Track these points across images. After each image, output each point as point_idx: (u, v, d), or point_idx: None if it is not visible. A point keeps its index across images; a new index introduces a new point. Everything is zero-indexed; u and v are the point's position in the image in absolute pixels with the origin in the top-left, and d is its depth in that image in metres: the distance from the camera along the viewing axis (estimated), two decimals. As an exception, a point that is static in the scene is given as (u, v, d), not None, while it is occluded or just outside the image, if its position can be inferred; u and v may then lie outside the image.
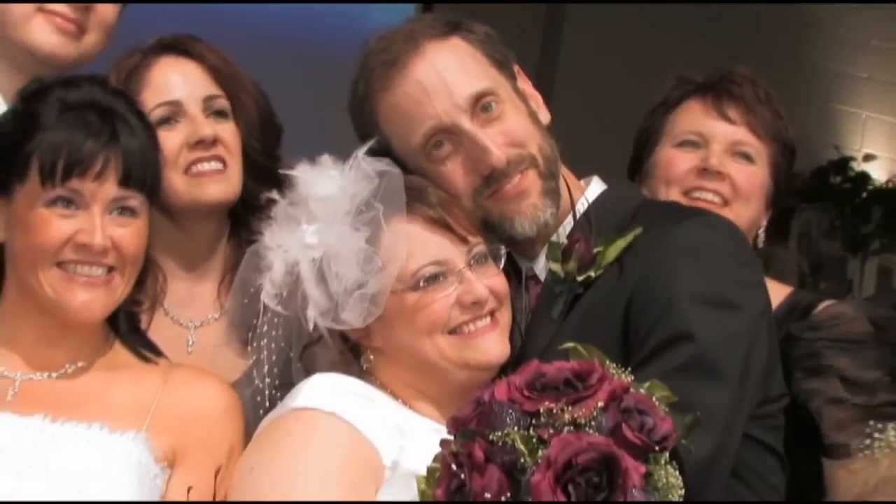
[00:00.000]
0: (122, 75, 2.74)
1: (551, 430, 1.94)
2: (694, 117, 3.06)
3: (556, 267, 2.51)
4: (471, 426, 2.02)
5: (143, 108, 2.63)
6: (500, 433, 1.96)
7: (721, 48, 6.62)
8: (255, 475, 2.24)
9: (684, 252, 2.40)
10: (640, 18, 7.21)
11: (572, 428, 1.94)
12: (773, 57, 7.15)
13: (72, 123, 2.36)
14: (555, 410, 1.96)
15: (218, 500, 2.36)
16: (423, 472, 2.10)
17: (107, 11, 2.80)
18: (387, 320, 2.39)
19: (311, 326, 2.38)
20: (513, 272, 2.63)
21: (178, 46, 2.81)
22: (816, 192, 6.92)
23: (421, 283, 2.36)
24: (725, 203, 3.00)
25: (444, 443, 2.06)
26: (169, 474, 2.38)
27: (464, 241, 2.41)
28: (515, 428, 1.96)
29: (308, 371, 2.46)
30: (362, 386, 2.36)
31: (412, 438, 2.26)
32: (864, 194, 6.85)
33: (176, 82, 2.77)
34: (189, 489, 2.32)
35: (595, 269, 2.47)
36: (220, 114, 2.79)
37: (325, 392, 2.30)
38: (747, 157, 3.02)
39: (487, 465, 1.94)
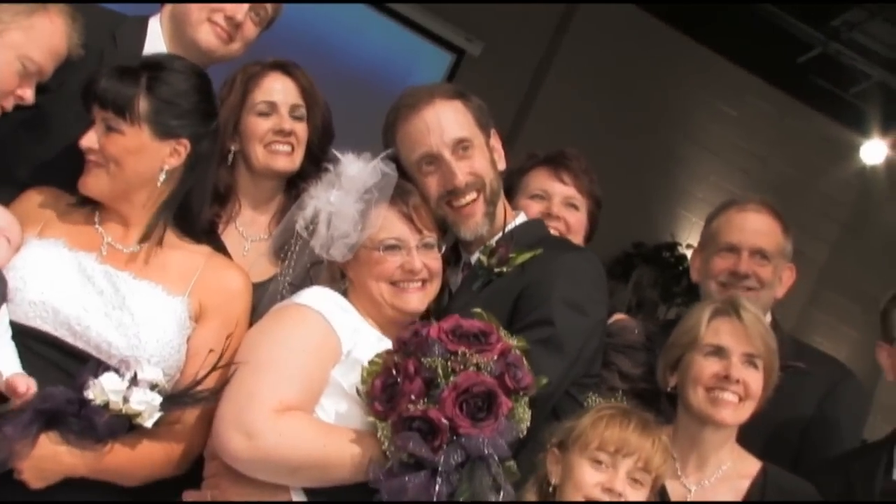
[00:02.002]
0: (245, 75, 2.76)
1: (462, 367, 2.01)
2: (540, 180, 3.00)
3: (483, 259, 2.53)
4: (410, 348, 2.06)
5: (252, 101, 2.70)
6: (429, 359, 2.02)
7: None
8: (259, 337, 2.22)
9: (564, 271, 2.44)
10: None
11: (475, 368, 2.01)
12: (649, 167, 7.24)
13: None
14: (467, 354, 2.03)
15: (227, 353, 2.22)
16: (366, 363, 2.14)
17: (251, 31, 2.76)
18: (358, 262, 2.37)
19: (316, 251, 2.37)
20: (455, 259, 2.64)
21: (285, 67, 2.80)
22: (652, 258, 7.00)
23: (382, 248, 2.36)
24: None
25: (388, 353, 2.09)
26: (194, 327, 2.29)
27: (419, 231, 2.40)
28: (439, 359, 2.02)
29: (313, 280, 2.45)
30: (341, 299, 2.33)
31: (362, 339, 2.24)
32: (681, 268, 6.90)
33: (278, 90, 2.77)
34: (210, 351, 2.20)
35: (507, 267, 2.49)
36: (299, 117, 2.78)
37: (317, 297, 2.28)
38: (575, 207, 2.98)
39: (415, 377, 2.02)
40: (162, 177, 2.29)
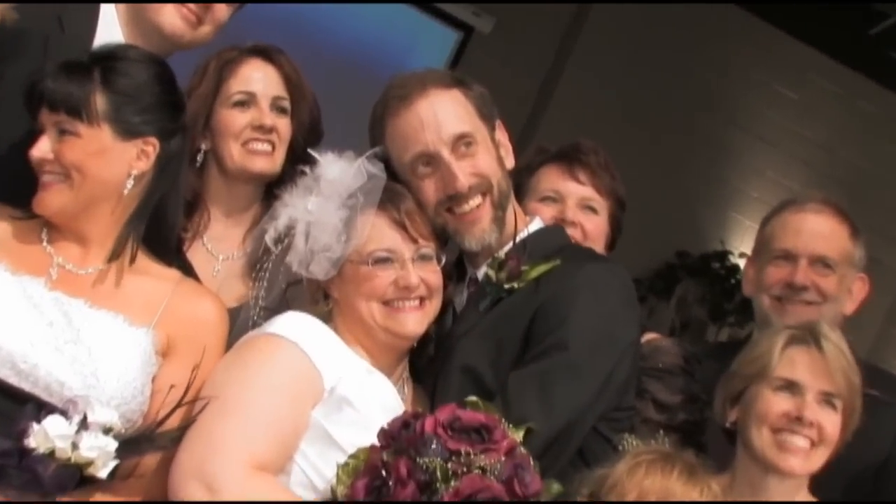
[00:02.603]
0: (220, 62, 2.75)
1: (464, 469, 1.98)
2: (552, 179, 2.98)
3: (490, 273, 2.51)
4: (401, 444, 2.04)
5: (227, 91, 2.70)
6: (425, 460, 1.99)
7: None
8: (227, 374, 2.22)
9: (586, 285, 2.41)
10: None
11: (479, 471, 1.99)
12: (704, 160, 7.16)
13: None
14: (471, 455, 2.00)
15: (193, 389, 2.23)
16: (353, 398, 2.15)
17: (222, 11, 2.75)
18: (344, 280, 2.36)
19: (293, 268, 2.36)
20: (459, 274, 2.62)
21: (266, 53, 2.80)
22: (699, 271, 6.98)
23: (371, 261, 2.34)
24: None
25: (372, 448, 2.08)
26: (160, 364, 2.27)
27: (414, 241, 2.39)
28: (438, 459, 1.99)
29: (290, 304, 2.43)
30: (321, 326, 2.33)
31: (349, 373, 2.24)
32: (733, 281, 6.88)
33: (257, 79, 2.77)
34: (171, 387, 2.19)
35: (518, 282, 2.47)
36: (281, 110, 2.78)
37: (293, 325, 2.27)
38: (594, 210, 2.97)
39: (408, 480, 1.97)
40: (129, 183, 2.29)
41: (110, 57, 2.30)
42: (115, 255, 2.29)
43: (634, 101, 6.75)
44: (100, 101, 2.25)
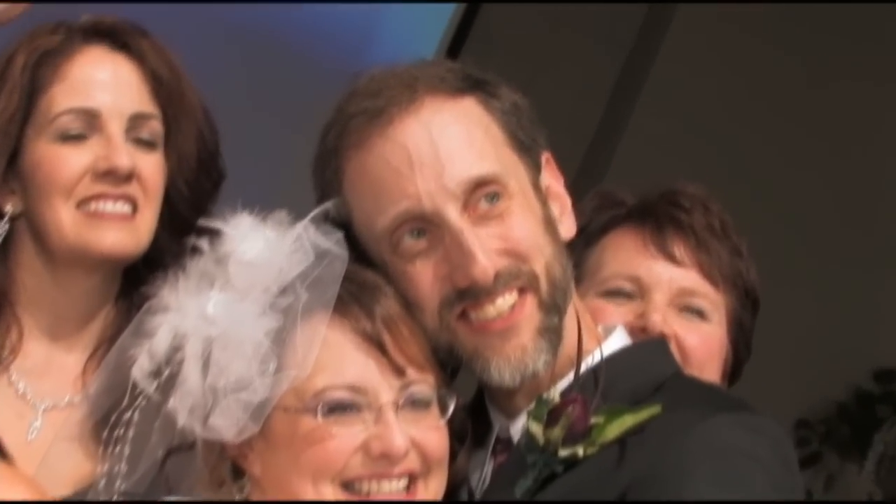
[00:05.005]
0: (33, 55, 2.07)
1: None
2: (627, 256, 2.22)
3: (535, 429, 1.83)
4: None
5: (48, 111, 2.05)
6: None
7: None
8: None
9: (710, 455, 1.75)
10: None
11: None
12: None
13: None
14: None
15: None
16: None
17: None
18: (271, 444, 1.80)
19: (181, 421, 1.76)
20: (480, 429, 1.97)
21: (118, 36, 2.10)
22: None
23: (322, 410, 1.77)
24: None
25: None
26: None
27: (400, 372, 1.79)
28: None
29: (172, 485, 1.83)
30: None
31: None
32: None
33: (101, 84, 2.07)
34: None
35: (586, 446, 1.81)
36: (146, 141, 2.09)
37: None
38: (700, 313, 2.20)
39: None
40: None
41: None
42: None
43: (766, 108, 4.83)
44: None
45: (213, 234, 1.80)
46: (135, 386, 1.77)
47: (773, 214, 4.81)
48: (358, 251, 1.84)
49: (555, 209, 1.91)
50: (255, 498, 1.84)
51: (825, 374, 4.80)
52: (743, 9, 5.24)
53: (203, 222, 1.82)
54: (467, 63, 1.95)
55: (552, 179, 1.93)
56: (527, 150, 1.89)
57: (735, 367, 2.30)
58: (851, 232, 5.12)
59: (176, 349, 1.77)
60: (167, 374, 1.75)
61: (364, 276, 1.84)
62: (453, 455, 1.85)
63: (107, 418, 1.86)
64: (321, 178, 1.91)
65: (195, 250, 1.80)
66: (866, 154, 5.34)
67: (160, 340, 1.77)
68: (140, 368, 1.77)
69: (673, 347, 2.13)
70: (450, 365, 1.88)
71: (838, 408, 4.98)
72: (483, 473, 1.94)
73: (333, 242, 1.80)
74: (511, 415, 1.89)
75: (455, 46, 4.77)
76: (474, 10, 4.77)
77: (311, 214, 1.82)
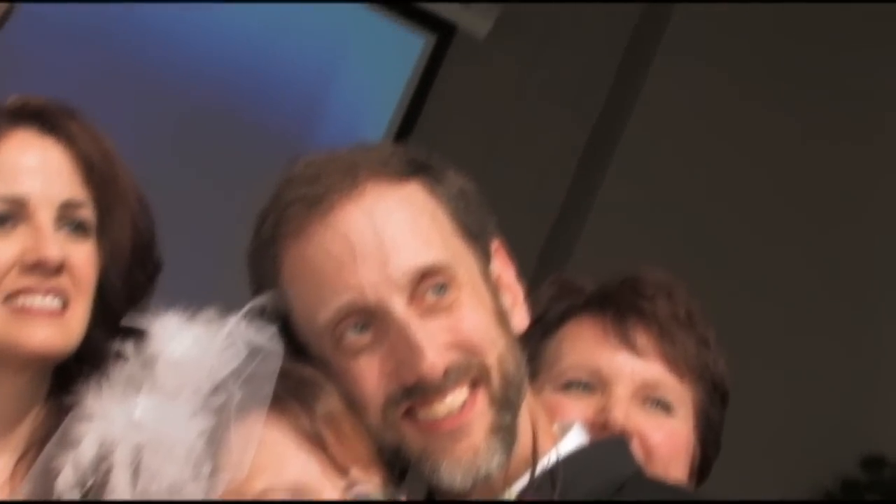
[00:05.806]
0: None
1: None
2: (586, 346, 2.07)
3: None
4: None
5: None
6: None
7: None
8: None
9: None
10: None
11: None
12: None
13: None
14: None
15: None
16: None
17: None
18: None
19: None
20: None
21: (46, 119, 1.98)
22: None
23: None
24: None
25: None
26: None
27: (343, 471, 1.66)
28: None
29: None
30: None
31: None
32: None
33: (29, 170, 1.94)
34: None
35: None
36: (78, 228, 1.96)
37: None
38: (664, 407, 2.05)
39: None
40: None
41: None
42: None
43: (759, 175, 4.56)
44: None
45: (138, 335, 1.68)
46: (59, 497, 1.62)
47: (752, 292, 4.62)
48: (296, 346, 1.71)
49: (506, 300, 1.78)
50: None
51: (810, 462, 4.53)
52: (720, 73, 5.00)
53: (127, 322, 1.69)
54: (411, 146, 1.83)
55: (503, 268, 1.81)
56: (475, 237, 1.77)
57: (703, 465, 2.12)
58: (835, 308, 4.90)
59: (103, 458, 1.64)
60: (94, 484, 1.62)
61: (302, 373, 1.70)
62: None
63: None
64: (257, 268, 1.79)
65: (119, 355, 1.67)
66: (849, 224, 5.12)
67: (85, 450, 1.64)
68: (65, 480, 1.64)
69: (635, 444, 1.96)
70: (397, 466, 1.73)
71: (826, 496, 4.66)
72: None
73: (267, 338, 1.69)
74: None
75: (409, 118, 4.47)
76: (429, 79, 4.46)
77: (245, 308, 1.70)
